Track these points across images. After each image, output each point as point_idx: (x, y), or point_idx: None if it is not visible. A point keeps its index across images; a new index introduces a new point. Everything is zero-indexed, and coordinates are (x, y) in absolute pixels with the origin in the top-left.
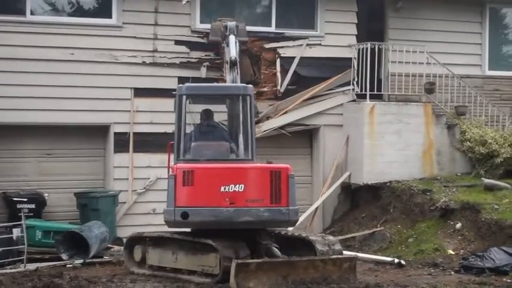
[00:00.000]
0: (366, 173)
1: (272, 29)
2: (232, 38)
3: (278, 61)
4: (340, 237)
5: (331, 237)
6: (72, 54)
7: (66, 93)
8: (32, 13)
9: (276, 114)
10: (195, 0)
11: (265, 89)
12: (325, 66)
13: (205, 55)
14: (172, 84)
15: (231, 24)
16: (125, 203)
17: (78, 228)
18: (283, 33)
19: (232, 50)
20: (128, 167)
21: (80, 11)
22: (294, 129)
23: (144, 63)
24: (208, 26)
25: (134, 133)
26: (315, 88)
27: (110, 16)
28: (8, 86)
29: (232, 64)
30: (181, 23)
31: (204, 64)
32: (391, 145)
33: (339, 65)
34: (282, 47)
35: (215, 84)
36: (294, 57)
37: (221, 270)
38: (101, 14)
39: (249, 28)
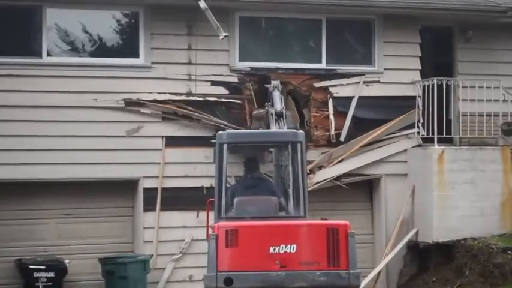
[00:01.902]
0: (436, 229)
1: (322, 65)
2: (276, 94)
3: (330, 102)
4: None
5: None
6: (96, 100)
7: (87, 144)
8: (48, 54)
9: (330, 164)
10: (234, 36)
11: (316, 135)
12: (385, 106)
13: (247, 96)
14: (208, 132)
15: (275, 82)
16: (162, 269)
17: None
18: (335, 69)
19: (278, 105)
20: (162, 227)
21: (102, 50)
22: (351, 180)
23: (176, 108)
24: (249, 64)
25: (165, 188)
26: (374, 132)
27: (137, 55)
28: (17, 137)
29: (278, 116)
30: (219, 61)
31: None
32: (465, 196)
33: (401, 104)
34: (334, 86)
35: (260, 130)
36: (348, 97)
37: None
38: (126, 53)
39: (295, 65)
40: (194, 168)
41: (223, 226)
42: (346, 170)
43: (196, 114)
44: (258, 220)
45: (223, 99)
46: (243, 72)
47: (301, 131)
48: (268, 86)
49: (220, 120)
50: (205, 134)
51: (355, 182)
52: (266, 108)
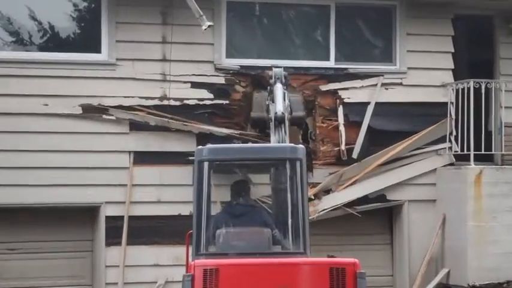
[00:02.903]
0: (471, 269)
1: (330, 63)
2: (279, 88)
3: (340, 109)
4: None
5: None
6: (46, 105)
7: (34, 161)
8: None
9: (340, 187)
10: (220, 26)
11: (323, 150)
12: (409, 115)
13: (236, 101)
14: (188, 145)
15: (278, 70)
16: None
17: None
18: (346, 68)
19: (279, 104)
20: (129, 265)
21: (55, 43)
22: (366, 207)
23: (148, 115)
24: (239, 61)
25: (133, 216)
26: (394, 148)
27: (98, 50)
28: None
29: (279, 122)
30: (201, 57)
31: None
32: (508, 228)
33: (429, 113)
34: (345, 89)
35: (250, 145)
36: (363, 104)
37: None
38: (85, 47)
39: (296, 63)
40: (170, 191)
41: (200, 264)
42: (359, 195)
43: (172, 123)
44: (246, 257)
45: (206, 104)
46: (231, 72)
47: (301, 145)
48: (269, 72)
49: (204, 126)
50: (183, 148)
51: (371, 209)
52: (267, 102)
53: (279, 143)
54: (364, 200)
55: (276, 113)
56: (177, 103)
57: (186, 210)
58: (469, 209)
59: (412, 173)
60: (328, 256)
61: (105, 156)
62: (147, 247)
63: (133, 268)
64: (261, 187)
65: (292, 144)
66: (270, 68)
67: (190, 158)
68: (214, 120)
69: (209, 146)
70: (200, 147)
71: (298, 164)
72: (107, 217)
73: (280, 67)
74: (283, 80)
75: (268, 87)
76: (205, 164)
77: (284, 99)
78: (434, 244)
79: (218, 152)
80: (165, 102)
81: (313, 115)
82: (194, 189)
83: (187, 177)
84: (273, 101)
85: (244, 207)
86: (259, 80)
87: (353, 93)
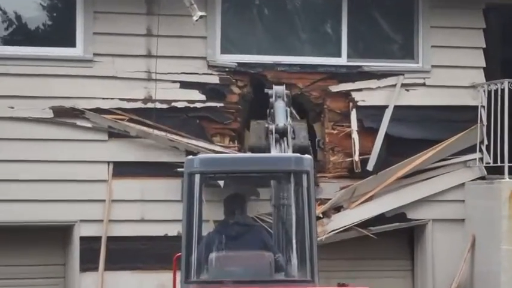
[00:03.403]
0: None
1: (342, 60)
2: (280, 106)
3: (354, 113)
4: None
5: None
6: (12, 108)
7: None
8: None
9: (353, 203)
10: (215, 17)
11: (333, 161)
12: (433, 120)
13: (233, 104)
14: (177, 154)
15: (279, 88)
16: None
17: None
18: (360, 67)
19: (281, 117)
20: None
21: (22, 36)
22: (383, 227)
23: (130, 121)
24: (236, 58)
25: (113, 237)
26: (416, 158)
27: (72, 43)
28: None
29: (281, 134)
30: (192, 52)
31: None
32: None
33: (456, 118)
34: (359, 90)
35: (249, 155)
36: (380, 107)
37: None
38: (57, 41)
39: (303, 60)
40: (155, 208)
41: None
42: (375, 213)
43: (158, 129)
44: (244, 286)
45: (197, 108)
46: (227, 70)
47: (308, 155)
48: (269, 91)
49: (192, 142)
50: (171, 158)
51: (388, 230)
52: (267, 120)
53: None
54: (380, 219)
55: (277, 124)
56: (164, 106)
57: (174, 230)
58: (502, 229)
59: (436, 188)
60: (339, 285)
61: (80, 167)
62: (128, 273)
63: None
64: (262, 203)
65: (298, 154)
66: (271, 68)
67: (179, 170)
68: (207, 126)
69: (201, 156)
70: (190, 157)
71: (304, 177)
72: (81, 238)
73: (282, 84)
74: (286, 98)
75: (268, 110)
76: (197, 177)
77: (286, 117)
78: (462, 270)
79: (211, 163)
80: (150, 105)
81: (321, 120)
82: (183, 205)
83: (176, 191)
84: (273, 121)
85: (241, 226)
86: (260, 80)
87: (368, 95)
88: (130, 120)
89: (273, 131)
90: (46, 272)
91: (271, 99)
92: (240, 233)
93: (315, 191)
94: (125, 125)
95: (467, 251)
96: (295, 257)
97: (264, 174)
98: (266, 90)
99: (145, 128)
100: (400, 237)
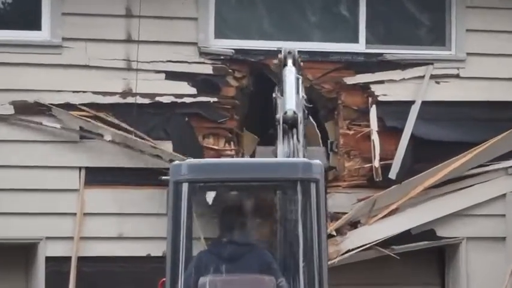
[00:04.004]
0: None
1: (360, 46)
2: (290, 78)
3: (373, 110)
4: None
5: None
6: None
7: None
8: None
9: (372, 218)
10: None
11: (348, 167)
12: (468, 119)
13: (227, 98)
14: (160, 161)
15: (289, 50)
16: None
17: None
18: (381, 54)
19: (290, 99)
20: None
21: None
22: (408, 246)
23: (105, 117)
24: (233, 43)
25: (85, 258)
26: (448, 164)
27: (37, 26)
28: None
29: (291, 124)
30: (180, 37)
31: None
32: None
33: (497, 116)
34: (379, 83)
35: (248, 160)
36: (404, 103)
37: None
38: (19, 23)
39: (313, 46)
40: (135, 223)
41: None
42: (399, 230)
43: (137, 141)
44: None
45: (186, 103)
46: (222, 58)
47: (318, 161)
48: (275, 61)
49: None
50: (154, 164)
51: (415, 250)
52: (274, 95)
53: (288, 156)
54: (405, 236)
55: (285, 112)
56: (146, 101)
57: (158, 249)
58: None
59: (472, 200)
60: None
61: (46, 173)
62: None
63: None
64: (262, 218)
65: (306, 160)
66: (274, 56)
67: (163, 177)
68: (197, 126)
69: (189, 161)
70: (177, 162)
71: (313, 186)
72: (47, 258)
73: (292, 51)
74: (296, 69)
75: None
76: (184, 186)
77: (298, 91)
78: None
79: (202, 169)
80: (130, 100)
81: (335, 119)
82: (169, 220)
83: (160, 203)
84: (282, 94)
85: (239, 246)
86: (261, 70)
87: (390, 88)
88: (107, 117)
89: (280, 121)
90: None
91: (276, 64)
92: (237, 253)
93: (326, 203)
94: (97, 127)
95: (508, 275)
96: (302, 282)
97: (264, 182)
98: (273, 61)
99: (125, 134)
100: (428, 259)
